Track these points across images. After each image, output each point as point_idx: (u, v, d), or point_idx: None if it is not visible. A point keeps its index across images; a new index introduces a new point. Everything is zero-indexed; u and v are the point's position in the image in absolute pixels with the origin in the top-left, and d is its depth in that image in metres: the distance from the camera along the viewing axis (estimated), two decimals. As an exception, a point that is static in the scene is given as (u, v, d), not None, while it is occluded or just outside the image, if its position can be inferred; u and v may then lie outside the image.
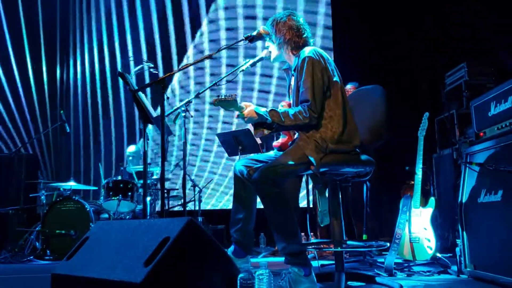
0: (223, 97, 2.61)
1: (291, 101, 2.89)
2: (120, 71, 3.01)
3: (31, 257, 4.83)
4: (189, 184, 5.86)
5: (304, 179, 4.63)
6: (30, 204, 5.90)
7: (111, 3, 7.52)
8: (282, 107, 2.93)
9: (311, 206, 4.71)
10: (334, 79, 2.71)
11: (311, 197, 4.76)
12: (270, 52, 2.93)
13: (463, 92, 4.72)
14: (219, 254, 2.05)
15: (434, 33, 5.71)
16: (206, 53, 7.03)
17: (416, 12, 5.89)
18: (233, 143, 5.11)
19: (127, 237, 2.23)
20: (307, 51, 2.72)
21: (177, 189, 6.14)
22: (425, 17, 5.82)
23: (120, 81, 6.69)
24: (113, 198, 5.16)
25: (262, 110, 2.66)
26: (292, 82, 2.86)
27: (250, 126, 4.68)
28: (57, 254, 4.81)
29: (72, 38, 7.71)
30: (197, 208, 5.96)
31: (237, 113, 2.68)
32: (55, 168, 7.38)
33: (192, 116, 3.08)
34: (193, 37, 7.19)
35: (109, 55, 7.46)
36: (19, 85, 7.28)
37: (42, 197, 5.43)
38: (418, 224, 3.64)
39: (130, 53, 7.16)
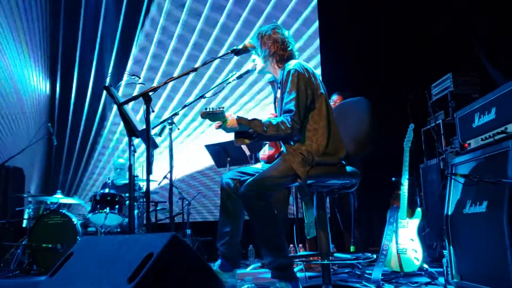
0: (211, 110, 2.62)
1: (277, 114, 2.90)
2: (105, 84, 3.00)
3: (17, 271, 4.78)
4: (176, 197, 5.84)
5: (292, 191, 4.64)
6: (17, 217, 5.83)
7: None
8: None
9: (299, 217, 4.71)
10: (319, 92, 2.73)
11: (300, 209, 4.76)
12: (256, 65, 2.94)
13: (449, 102, 4.76)
14: (203, 270, 2.04)
15: (421, 43, 5.75)
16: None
17: (403, 23, 5.94)
18: (222, 154, 5.11)
19: (112, 252, 2.20)
20: (292, 64, 2.74)
21: (165, 202, 6.11)
22: (412, 28, 5.86)
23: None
24: (100, 211, 5.12)
25: (244, 119, 2.65)
26: (278, 95, 2.87)
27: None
28: (44, 268, 4.76)
29: (62, 51, 7.73)
30: (185, 220, 5.93)
31: (218, 123, 2.67)
32: (42, 182, 7.33)
33: (178, 129, 3.07)
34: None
35: (97, 69, 7.48)
36: (7, 95, 7.23)
37: (28, 211, 5.37)
38: (405, 235, 3.64)
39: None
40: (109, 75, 4.86)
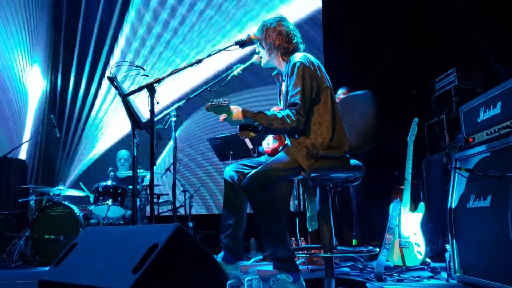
0: (217, 102, 2.60)
1: (282, 107, 2.89)
2: (109, 75, 2.99)
3: (20, 262, 4.79)
4: (179, 190, 5.84)
5: (295, 184, 4.64)
6: (19, 209, 5.84)
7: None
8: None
9: (301, 210, 4.71)
10: (325, 84, 2.72)
11: (301, 202, 4.76)
12: (261, 57, 2.93)
13: (453, 97, 4.75)
14: (208, 261, 2.04)
15: (424, 38, 5.73)
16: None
17: (406, 18, 5.92)
18: (225, 148, 5.11)
19: (115, 243, 2.21)
20: (297, 57, 2.72)
21: (168, 194, 6.11)
22: (415, 23, 5.84)
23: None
24: (103, 203, 5.13)
25: (250, 112, 2.64)
26: (283, 88, 2.85)
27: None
28: (46, 259, 4.77)
29: (63, 43, 7.72)
30: (187, 213, 5.93)
31: (223, 116, 2.66)
32: (45, 173, 7.33)
33: (182, 123, 3.08)
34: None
35: (98, 61, 7.47)
36: (9, 89, 7.22)
37: (31, 202, 5.38)
38: (408, 229, 3.65)
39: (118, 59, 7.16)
40: (114, 66, 4.85)
